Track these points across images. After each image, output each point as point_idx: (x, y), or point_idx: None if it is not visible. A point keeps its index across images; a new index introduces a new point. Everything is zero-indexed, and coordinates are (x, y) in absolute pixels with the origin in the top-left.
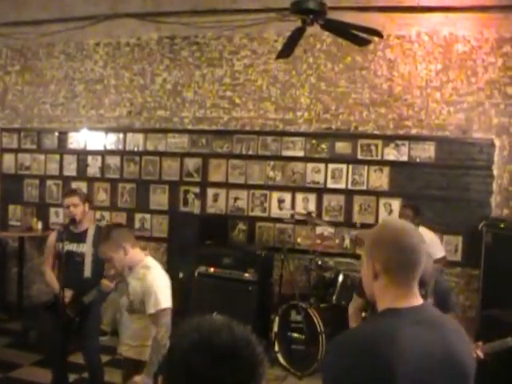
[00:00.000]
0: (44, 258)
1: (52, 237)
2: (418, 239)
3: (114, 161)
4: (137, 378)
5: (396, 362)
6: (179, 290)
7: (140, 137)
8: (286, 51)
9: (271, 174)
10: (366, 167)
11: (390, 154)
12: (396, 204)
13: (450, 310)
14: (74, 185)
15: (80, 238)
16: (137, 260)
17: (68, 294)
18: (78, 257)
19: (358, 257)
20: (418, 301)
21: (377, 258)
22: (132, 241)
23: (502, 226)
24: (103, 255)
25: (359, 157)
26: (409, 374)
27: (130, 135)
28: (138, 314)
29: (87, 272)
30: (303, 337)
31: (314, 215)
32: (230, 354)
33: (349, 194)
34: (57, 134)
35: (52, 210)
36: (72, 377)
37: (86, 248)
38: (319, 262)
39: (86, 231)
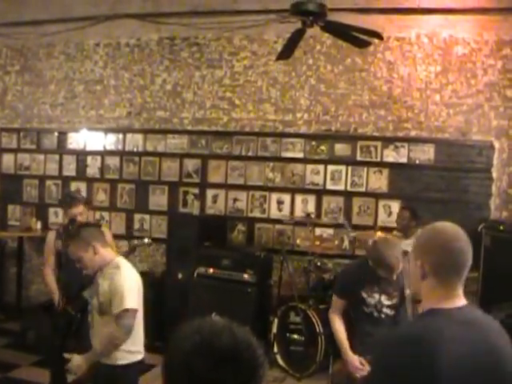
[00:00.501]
0: (44, 259)
1: (51, 235)
2: (466, 242)
3: (113, 161)
4: (75, 358)
5: (441, 357)
6: (178, 291)
7: (139, 137)
8: (286, 53)
9: (270, 175)
10: (365, 169)
11: (390, 155)
12: (395, 206)
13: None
14: (73, 185)
15: None
16: (107, 260)
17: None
18: None
19: (356, 258)
20: (462, 301)
21: (426, 260)
22: (102, 240)
23: (501, 228)
24: (73, 255)
25: (358, 158)
26: (453, 369)
27: (129, 136)
28: (108, 316)
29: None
30: (302, 338)
31: (313, 217)
32: (231, 356)
33: (348, 195)
34: (56, 134)
35: (51, 210)
36: (71, 377)
37: None
38: (318, 264)
39: None
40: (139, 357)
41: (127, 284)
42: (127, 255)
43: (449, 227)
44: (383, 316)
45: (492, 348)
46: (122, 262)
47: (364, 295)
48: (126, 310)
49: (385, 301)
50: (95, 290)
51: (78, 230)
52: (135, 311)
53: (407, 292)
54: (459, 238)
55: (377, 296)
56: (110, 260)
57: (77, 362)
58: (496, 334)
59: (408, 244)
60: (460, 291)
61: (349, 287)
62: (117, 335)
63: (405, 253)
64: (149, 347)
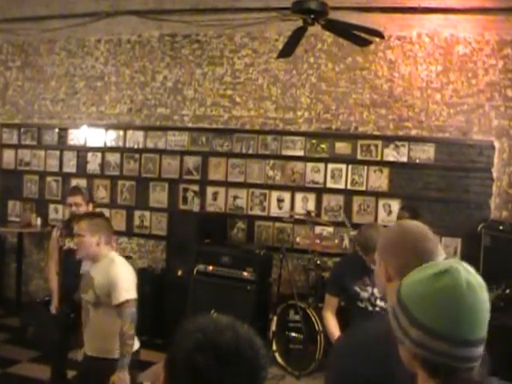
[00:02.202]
0: (49, 255)
1: (55, 232)
2: (433, 242)
3: (113, 158)
4: (113, 378)
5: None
6: (178, 288)
7: (140, 134)
8: (287, 51)
9: (271, 173)
10: (365, 168)
11: (390, 154)
12: (395, 205)
13: None
14: (73, 181)
15: None
16: (103, 254)
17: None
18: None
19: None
20: None
21: (390, 263)
22: (108, 236)
23: (501, 228)
24: (80, 230)
25: (359, 157)
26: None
27: (130, 132)
28: (104, 309)
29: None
30: (301, 336)
31: (313, 215)
32: (233, 355)
33: (348, 194)
34: (57, 130)
35: (51, 206)
36: (71, 373)
37: None
38: (318, 262)
39: None
40: (135, 347)
41: (125, 275)
42: None
43: (415, 227)
44: (377, 309)
45: None
46: (116, 256)
47: (357, 289)
48: (127, 301)
49: (378, 293)
50: (88, 283)
51: (98, 215)
52: (135, 300)
53: None
54: (426, 238)
55: (370, 289)
56: (105, 254)
57: (119, 377)
58: None
59: None
60: None
61: (340, 283)
62: (126, 328)
63: None
64: (148, 344)
